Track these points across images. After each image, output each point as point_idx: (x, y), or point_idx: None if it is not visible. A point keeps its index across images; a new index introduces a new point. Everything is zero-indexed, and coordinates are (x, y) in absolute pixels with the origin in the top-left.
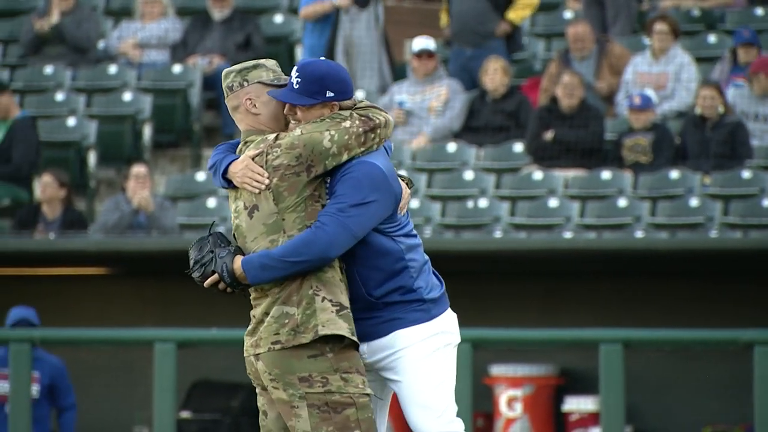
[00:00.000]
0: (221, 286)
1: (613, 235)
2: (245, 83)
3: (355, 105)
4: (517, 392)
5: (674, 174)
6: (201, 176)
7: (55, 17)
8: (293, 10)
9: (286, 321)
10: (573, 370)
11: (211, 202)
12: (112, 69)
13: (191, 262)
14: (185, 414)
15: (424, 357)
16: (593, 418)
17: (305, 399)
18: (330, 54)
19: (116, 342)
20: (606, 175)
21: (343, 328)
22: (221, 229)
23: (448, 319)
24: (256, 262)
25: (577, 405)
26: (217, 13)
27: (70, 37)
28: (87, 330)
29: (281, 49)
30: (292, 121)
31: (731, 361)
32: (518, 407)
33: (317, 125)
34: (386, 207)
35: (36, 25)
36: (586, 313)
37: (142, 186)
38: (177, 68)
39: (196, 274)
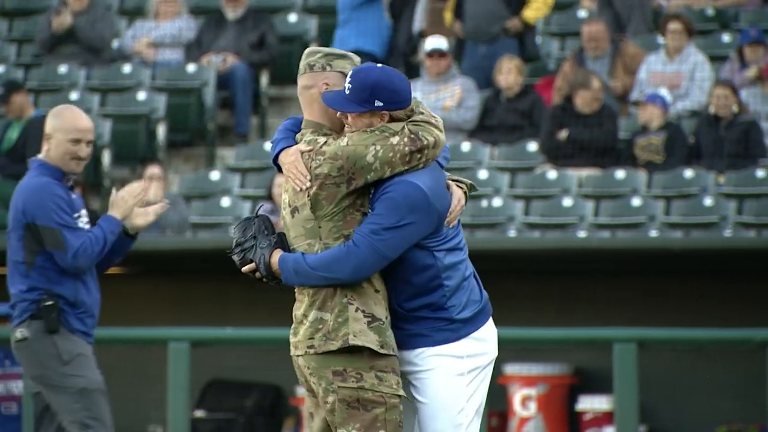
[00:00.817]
0: (257, 275)
1: (627, 234)
2: (328, 67)
3: (410, 115)
4: (531, 391)
5: (688, 173)
6: (215, 175)
7: (69, 17)
8: (307, 10)
9: (320, 326)
10: (587, 370)
11: (225, 202)
12: (127, 68)
13: (233, 243)
14: (199, 413)
15: (447, 382)
16: (607, 418)
17: (336, 393)
18: None
19: (130, 341)
20: (620, 174)
21: (373, 340)
22: (268, 206)
23: (480, 338)
24: (290, 264)
25: (590, 404)
26: (231, 13)
27: (85, 37)
28: (101, 329)
29: (295, 48)
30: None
31: (745, 360)
32: (532, 406)
33: (364, 137)
34: (425, 227)
35: (51, 24)
36: (600, 312)
37: (156, 185)
38: (191, 67)
39: (235, 257)
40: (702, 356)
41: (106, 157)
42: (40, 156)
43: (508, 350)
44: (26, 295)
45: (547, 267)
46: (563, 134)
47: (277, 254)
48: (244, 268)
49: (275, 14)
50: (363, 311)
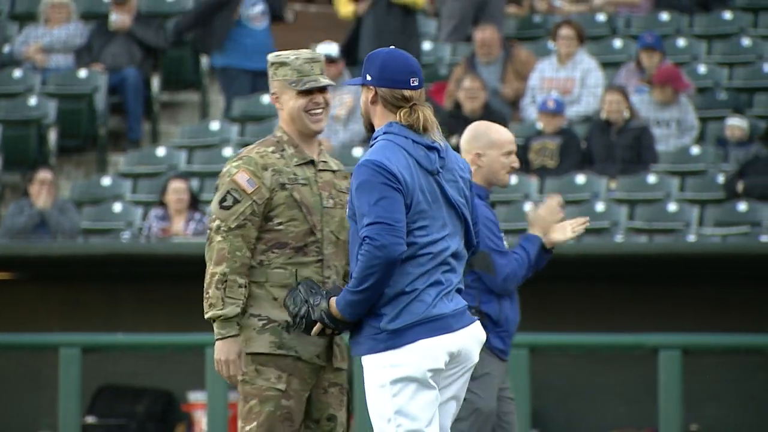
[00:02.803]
0: (328, 331)
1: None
2: (274, 77)
3: (403, 105)
4: None
5: (580, 178)
6: (106, 181)
7: None
8: None
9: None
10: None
11: (117, 207)
12: (17, 73)
13: (291, 317)
14: (90, 419)
15: (372, 392)
16: None
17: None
18: None
19: (21, 347)
20: (512, 179)
21: (263, 345)
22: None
23: (411, 350)
24: (342, 302)
25: None
26: (121, 18)
27: None
28: None
29: (186, 52)
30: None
31: (637, 365)
32: None
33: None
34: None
35: None
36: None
37: (47, 191)
38: (82, 73)
39: (300, 329)
40: (594, 361)
41: None
42: None
43: None
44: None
45: None
46: (454, 140)
47: (333, 301)
48: (313, 332)
49: (167, 19)
50: (258, 316)
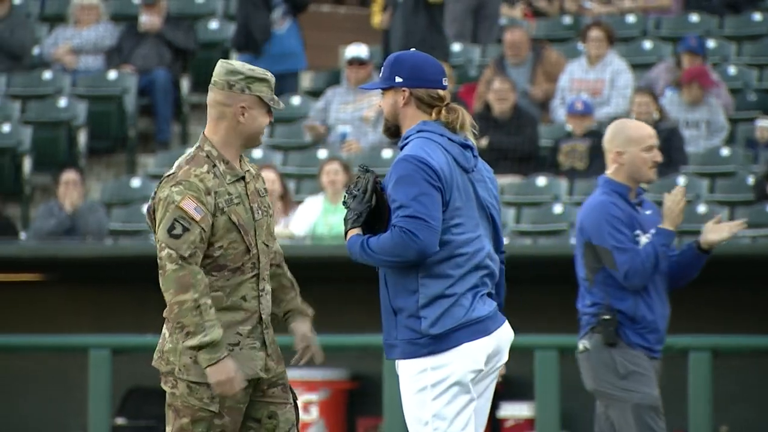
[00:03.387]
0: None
1: (549, 241)
2: (247, 90)
3: (438, 104)
4: None
5: None
6: (136, 182)
7: None
8: (229, 16)
9: (163, 348)
10: (508, 377)
11: (146, 208)
12: (47, 75)
13: (352, 187)
14: (120, 421)
15: (409, 395)
16: (528, 424)
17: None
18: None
19: (51, 348)
20: (541, 181)
21: (200, 373)
22: None
23: (458, 353)
24: (355, 246)
25: (512, 411)
26: (150, 19)
27: (5, 44)
28: (21, 336)
29: (216, 54)
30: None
31: (667, 367)
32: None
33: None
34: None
35: None
36: (521, 319)
37: (74, 192)
38: (112, 74)
39: (345, 198)
40: None
41: (27, 164)
42: (608, 173)
43: None
44: (588, 309)
45: None
46: (483, 142)
47: (352, 233)
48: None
49: (196, 21)
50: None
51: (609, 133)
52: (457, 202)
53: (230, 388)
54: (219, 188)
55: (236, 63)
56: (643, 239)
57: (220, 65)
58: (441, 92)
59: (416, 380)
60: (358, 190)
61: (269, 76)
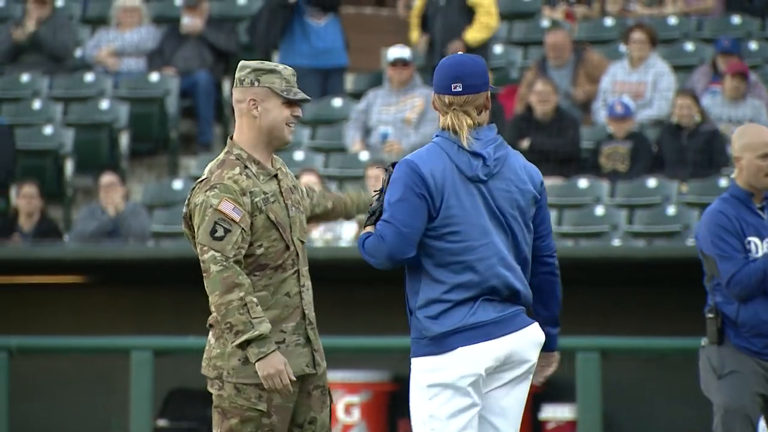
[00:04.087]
0: None
1: (590, 243)
2: (256, 83)
3: (451, 105)
4: None
5: (651, 182)
6: (178, 184)
7: (31, 26)
8: None
9: (211, 354)
10: (550, 379)
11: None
12: (89, 77)
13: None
14: (162, 422)
15: (413, 393)
16: (570, 426)
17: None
18: None
19: (93, 350)
20: (583, 183)
21: (249, 374)
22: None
23: (452, 357)
24: (360, 244)
25: (554, 413)
26: (192, 21)
27: (47, 46)
28: (63, 338)
29: (258, 56)
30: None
31: (674, 371)
32: None
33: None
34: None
35: (13, 33)
36: (563, 321)
37: (114, 194)
38: (154, 76)
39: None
40: (665, 365)
41: (69, 167)
42: (733, 176)
43: None
44: (704, 309)
45: None
46: (525, 143)
47: (364, 231)
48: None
49: (238, 22)
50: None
51: (733, 136)
52: (453, 210)
53: (278, 382)
54: (254, 188)
55: (251, 61)
56: (762, 245)
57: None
58: (447, 98)
59: (417, 379)
60: (380, 189)
61: (282, 68)
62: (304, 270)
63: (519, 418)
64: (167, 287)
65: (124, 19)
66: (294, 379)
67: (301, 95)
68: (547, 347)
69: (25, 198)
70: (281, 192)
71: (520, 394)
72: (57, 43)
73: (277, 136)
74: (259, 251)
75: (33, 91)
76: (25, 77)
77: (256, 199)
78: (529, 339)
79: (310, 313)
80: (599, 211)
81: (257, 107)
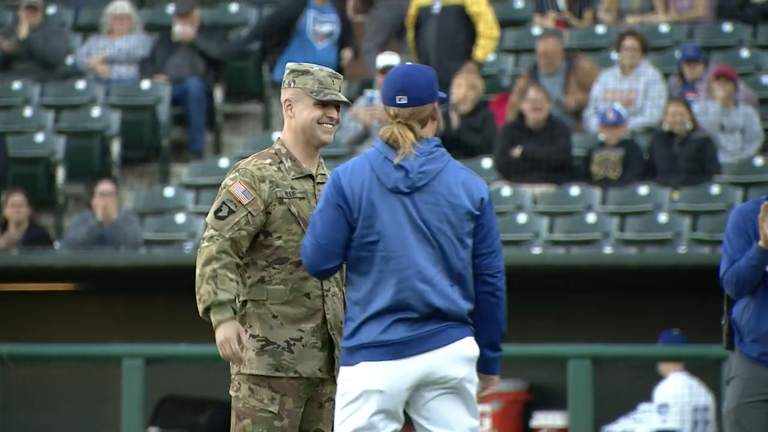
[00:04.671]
0: None
1: (582, 250)
2: (292, 84)
3: (396, 119)
4: (486, 408)
5: (643, 190)
6: (169, 192)
7: (23, 33)
8: None
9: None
10: (541, 386)
11: (180, 218)
12: (80, 85)
13: None
14: (153, 430)
15: (337, 400)
16: None
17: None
18: None
19: (84, 358)
20: (574, 190)
21: (262, 366)
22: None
23: (357, 371)
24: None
25: (545, 420)
26: (184, 29)
27: (38, 53)
28: (55, 346)
29: (249, 64)
30: (325, 136)
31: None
32: (487, 423)
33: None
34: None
35: (3, 43)
36: (554, 329)
37: (109, 203)
38: (145, 84)
39: None
40: (656, 372)
41: (60, 174)
42: None
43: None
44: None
45: None
46: (517, 151)
47: None
48: None
49: (229, 30)
50: (256, 336)
51: None
52: (371, 221)
53: (228, 349)
54: (281, 181)
55: (292, 63)
56: None
57: None
58: (392, 110)
59: (337, 386)
60: None
61: (317, 69)
62: (333, 276)
63: (463, 426)
64: (159, 295)
65: (115, 27)
66: (245, 346)
67: (332, 96)
68: (484, 370)
69: (13, 207)
70: (315, 194)
71: (453, 404)
72: (48, 51)
73: (312, 135)
74: (277, 242)
75: (24, 98)
76: (16, 85)
77: (279, 190)
78: (452, 355)
79: (333, 319)
80: (591, 218)
81: (292, 108)
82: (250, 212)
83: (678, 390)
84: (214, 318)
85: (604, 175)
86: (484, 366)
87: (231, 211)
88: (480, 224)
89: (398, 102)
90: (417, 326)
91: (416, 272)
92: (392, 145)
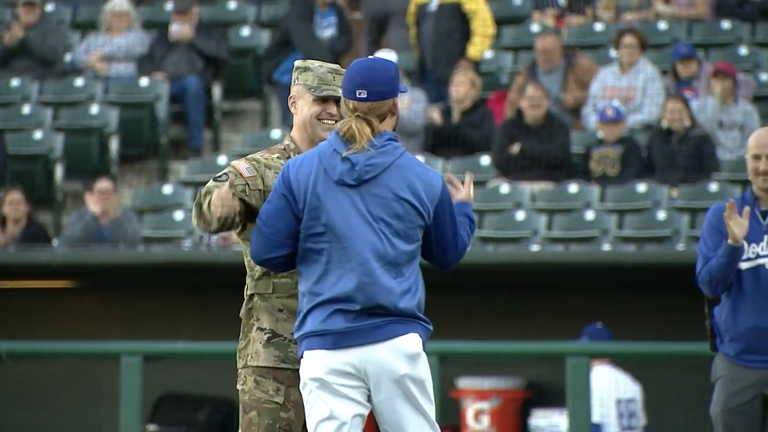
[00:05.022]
0: None
1: (580, 248)
2: (296, 81)
3: (356, 113)
4: (485, 405)
5: (641, 187)
6: (167, 189)
7: (21, 30)
8: (260, 23)
9: (240, 347)
10: (540, 383)
11: (178, 215)
12: (79, 82)
13: None
14: (151, 427)
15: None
16: None
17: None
18: None
19: (83, 355)
20: (573, 187)
21: (269, 358)
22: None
23: (304, 359)
24: None
25: (544, 418)
26: (183, 27)
27: (37, 50)
28: (53, 343)
29: (248, 61)
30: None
31: (698, 374)
32: (485, 420)
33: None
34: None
35: (5, 38)
36: (552, 326)
37: (107, 201)
38: (144, 81)
39: None
40: (655, 370)
41: (59, 171)
42: None
43: (460, 364)
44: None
45: (500, 281)
46: (515, 148)
47: None
48: None
49: (228, 28)
50: (263, 329)
51: None
52: (316, 212)
53: (216, 197)
54: None
55: (303, 60)
56: (754, 248)
57: None
58: (351, 104)
59: None
60: None
61: (317, 65)
62: None
63: (403, 425)
64: (157, 292)
65: (114, 24)
66: (233, 192)
67: (329, 92)
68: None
69: (11, 204)
70: None
71: (400, 404)
72: (47, 48)
73: (312, 131)
74: None
75: (23, 95)
76: (14, 82)
77: None
78: (392, 351)
79: None
80: (589, 215)
81: (295, 104)
82: (248, 184)
83: (603, 384)
84: (204, 199)
85: (602, 173)
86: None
87: (228, 178)
88: (432, 218)
89: (358, 96)
90: (359, 318)
91: (360, 264)
92: (348, 139)
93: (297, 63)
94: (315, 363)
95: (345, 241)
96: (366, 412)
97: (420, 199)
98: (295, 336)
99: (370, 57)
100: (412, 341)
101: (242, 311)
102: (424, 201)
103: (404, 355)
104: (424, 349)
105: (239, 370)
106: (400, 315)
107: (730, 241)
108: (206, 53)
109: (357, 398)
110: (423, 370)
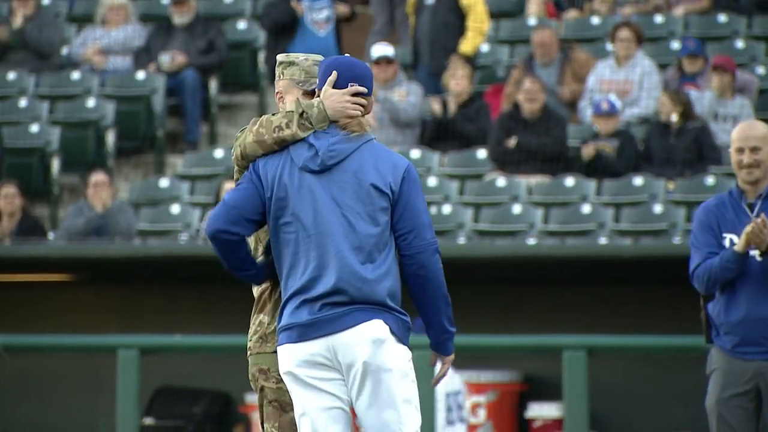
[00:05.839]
0: None
1: (577, 241)
2: (282, 76)
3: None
4: (481, 398)
5: (638, 180)
6: (164, 182)
7: (17, 23)
8: (257, 17)
9: (259, 328)
10: (536, 377)
11: (175, 209)
12: (75, 75)
13: None
14: (148, 420)
15: None
16: (557, 425)
17: (262, 390)
18: None
19: (79, 348)
20: (569, 181)
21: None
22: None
23: (279, 353)
24: None
25: (540, 411)
26: (179, 19)
27: (33, 43)
28: (50, 336)
29: (244, 54)
30: None
31: (694, 367)
32: (482, 413)
33: None
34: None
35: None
36: (549, 319)
37: (102, 193)
38: (140, 75)
39: None
40: (651, 363)
41: (55, 164)
42: None
43: (457, 357)
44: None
45: (497, 274)
46: (512, 141)
47: None
48: None
49: (225, 21)
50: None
51: None
52: (284, 201)
53: (348, 104)
54: None
55: (287, 55)
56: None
57: None
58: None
59: None
60: None
61: (302, 58)
62: None
63: (383, 418)
64: (154, 286)
65: (110, 17)
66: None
67: (311, 85)
68: (436, 350)
69: (6, 198)
70: None
71: (375, 393)
72: (43, 41)
73: None
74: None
75: (19, 89)
76: (11, 75)
77: None
78: (356, 338)
79: None
80: (586, 209)
81: (282, 100)
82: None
83: None
84: (313, 110)
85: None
86: (435, 346)
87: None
88: (396, 202)
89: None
90: (324, 308)
91: (325, 252)
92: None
93: (280, 58)
94: (284, 357)
95: (311, 229)
96: (346, 406)
97: (384, 179)
98: (274, 327)
99: (347, 55)
100: (375, 327)
101: (264, 292)
102: (389, 181)
103: (367, 340)
104: (405, 341)
105: (267, 369)
106: (366, 302)
107: (738, 248)
108: (201, 45)
109: (331, 391)
110: (389, 358)
